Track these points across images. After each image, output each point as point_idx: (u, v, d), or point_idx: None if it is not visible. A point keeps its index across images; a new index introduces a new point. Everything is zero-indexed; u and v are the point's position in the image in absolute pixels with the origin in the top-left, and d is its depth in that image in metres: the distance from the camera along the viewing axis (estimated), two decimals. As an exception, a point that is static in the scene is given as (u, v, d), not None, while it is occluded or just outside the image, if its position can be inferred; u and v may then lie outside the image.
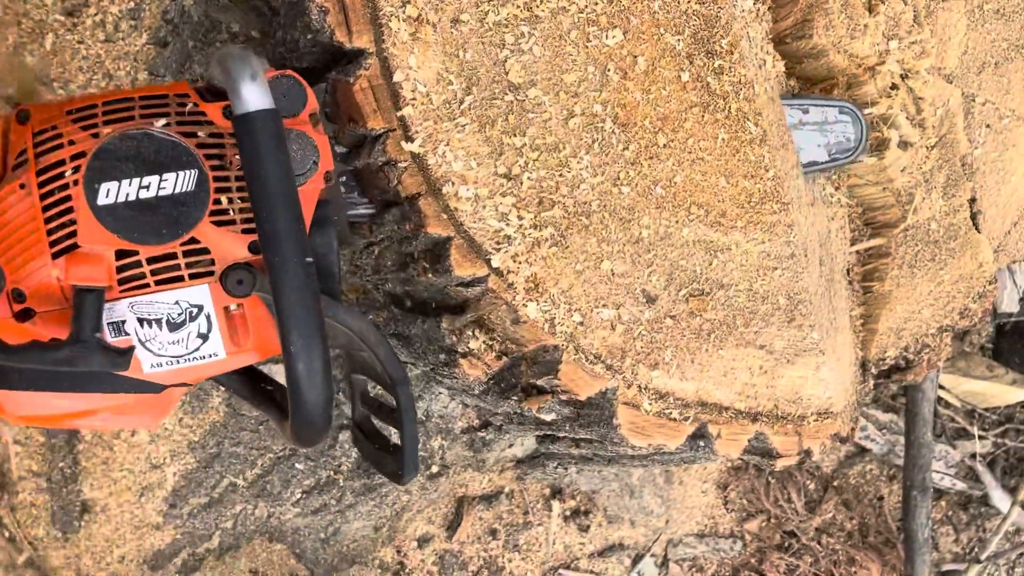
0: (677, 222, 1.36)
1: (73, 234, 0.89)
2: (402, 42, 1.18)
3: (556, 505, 2.64)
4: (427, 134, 1.21)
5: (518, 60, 1.24)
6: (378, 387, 1.19)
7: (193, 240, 0.93)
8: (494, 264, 1.26)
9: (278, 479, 2.24)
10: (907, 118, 1.61)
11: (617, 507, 2.68)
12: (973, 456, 2.92)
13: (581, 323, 1.32)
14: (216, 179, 0.93)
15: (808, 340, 1.46)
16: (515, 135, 1.25)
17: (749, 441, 1.45)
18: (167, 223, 0.90)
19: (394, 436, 1.17)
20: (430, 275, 1.33)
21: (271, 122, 0.87)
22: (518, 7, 1.23)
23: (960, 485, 2.95)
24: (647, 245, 1.34)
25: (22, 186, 0.88)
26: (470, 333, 1.37)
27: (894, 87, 1.61)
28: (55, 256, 0.89)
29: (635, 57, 1.30)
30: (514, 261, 1.27)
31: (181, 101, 0.95)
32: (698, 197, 1.36)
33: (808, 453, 1.49)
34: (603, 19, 1.28)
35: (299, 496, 2.26)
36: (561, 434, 1.62)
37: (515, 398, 1.44)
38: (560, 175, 1.28)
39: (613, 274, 1.33)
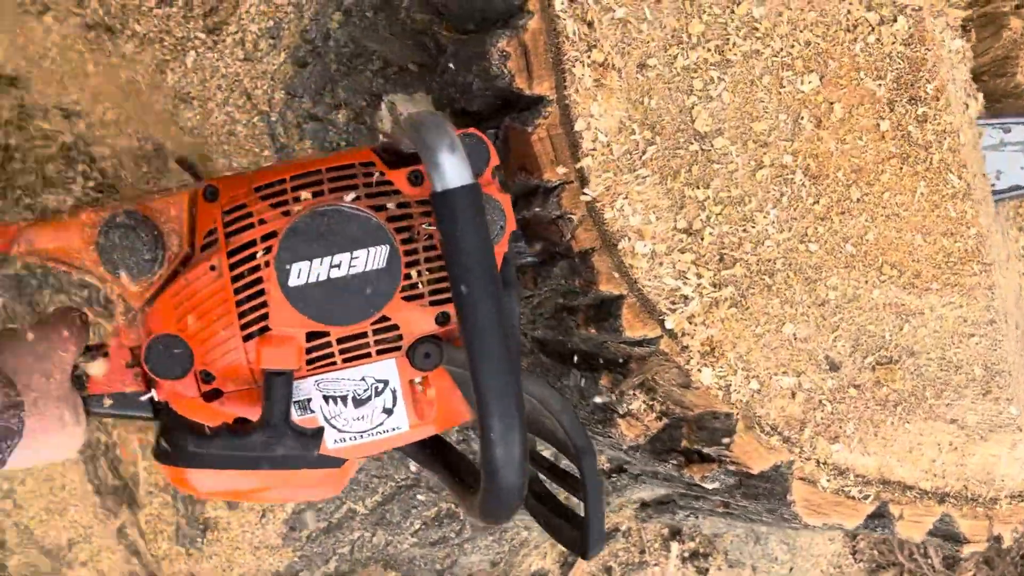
0: (867, 283, 1.24)
1: (264, 317, 0.85)
2: (585, 89, 1.10)
3: (675, 546, 2.53)
4: (605, 186, 1.12)
5: (705, 107, 1.14)
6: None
7: (383, 318, 0.88)
8: (668, 325, 1.17)
9: (398, 508, 2.20)
10: (1119, 167, 1.45)
11: (740, 552, 2.56)
12: None
13: (759, 391, 1.21)
14: (406, 253, 0.88)
15: (1005, 415, 1.32)
16: (698, 187, 1.16)
17: (934, 524, 1.32)
18: (359, 303, 0.86)
19: (561, 493, 1.11)
20: (592, 330, 1.25)
21: (472, 197, 0.80)
22: (709, 51, 1.13)
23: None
24: (833, 308, 1.23)
25: (213, 267, 0.85)
26: (631, 393, 1.28)
27: (1106, 132, 1.44)
28: (246, 339, 0.85)
29: (831, 104, 1.19)
30: (690, 323, 1.17)
31: (368, 171, 0.89)
32: (891, 256, 1.24)
33: (998, 539, 1.35)
34: (799, 63, 1.17)
35: (418, 527, 2.22)
36: (715, 498, 1.52)
37: (674, 462, 1.35)
38: (744, 230, 1.18)
39: (795, 338, 1.22)
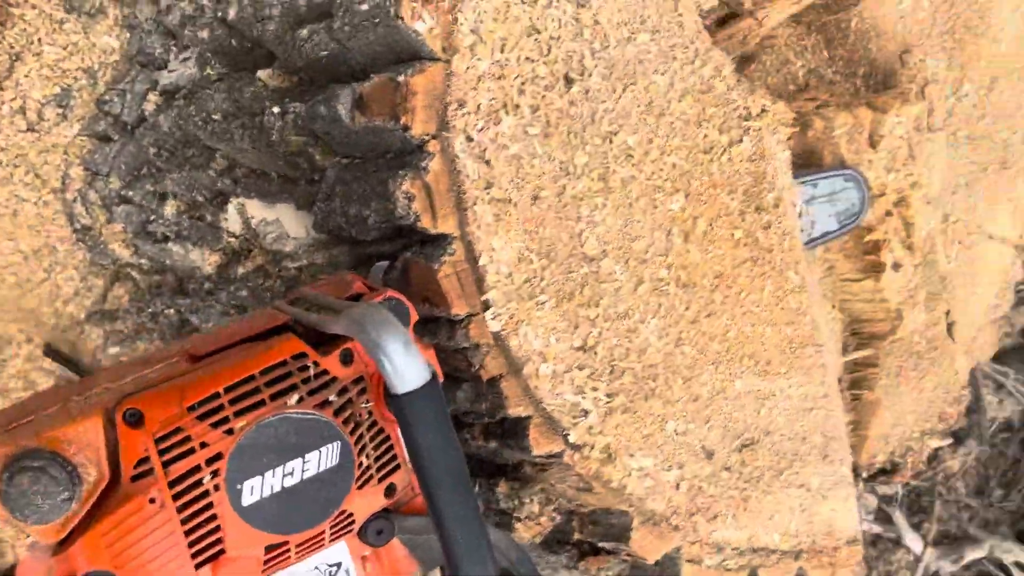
0: (731, 375, 1.37)
1: (219, 541, 0.79)
2: (487, 224, 1.12)
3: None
4: (509, 315, 1.15)
5: (593, 232, 1.21)
6: None
7: (340, 512, 0.85)
8: (571, 440, 1.22)
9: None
10: (900, 242, 1.70)
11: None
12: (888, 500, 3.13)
13: (650, 487, 1.30)
14: (354, 442, 0.85)
15: (839, 474, 1.51)
16: (590, 307, 1.22)
17: (792, 578, 1.49)
18: (317, 506, 0.82)
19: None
20: (493, 443, 1.27)
21: (433, 393, 0.79)
22: (592, 179, 1.20)
23: (876, 528, 3.16)
24: (705, 401, 1.35)
25: (152, 500, 0.76)
26: (528, 499, 1.32)
27: (888, 214, 1.69)
28: (199, 566, 0.78)
29: (695, 219, 1.30)
30: (590, 434, 1.24)
31: (302, 364, 0.84)
32: (748, 348, 1.38)
33: (840, 580, 1.54)
34: (668, 184, 1.27)
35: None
36: None
37: (567, 554, 1.41)
38: (630, 341, 1.26)
39: (676, 434, 1.32)
